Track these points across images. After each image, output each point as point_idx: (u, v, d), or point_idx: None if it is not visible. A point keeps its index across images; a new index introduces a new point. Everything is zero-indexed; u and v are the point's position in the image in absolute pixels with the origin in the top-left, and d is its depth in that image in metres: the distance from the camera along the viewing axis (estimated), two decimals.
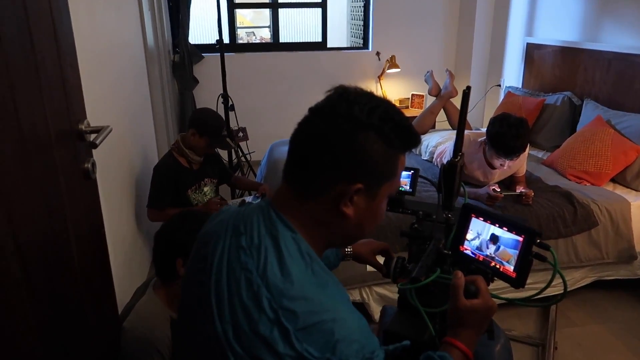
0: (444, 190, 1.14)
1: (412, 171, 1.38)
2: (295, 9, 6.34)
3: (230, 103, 3.46)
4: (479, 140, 2.58)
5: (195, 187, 2.46)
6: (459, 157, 1.12)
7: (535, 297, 1.04)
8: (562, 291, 0.94)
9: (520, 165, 2.64)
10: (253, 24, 9.58)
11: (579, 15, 3.47)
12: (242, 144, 3.63)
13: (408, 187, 1.37)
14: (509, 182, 2.72)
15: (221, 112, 3.41)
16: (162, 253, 1.46)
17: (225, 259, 0.82)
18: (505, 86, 4.23)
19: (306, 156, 0.83)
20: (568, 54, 3.53)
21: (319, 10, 4.67)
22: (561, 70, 3.61)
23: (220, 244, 0.85)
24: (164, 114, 3.48)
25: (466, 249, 1.05)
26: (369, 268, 1.35)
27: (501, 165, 2.45)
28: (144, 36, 3.12)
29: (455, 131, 3.38)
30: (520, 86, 4.06)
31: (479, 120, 4.63)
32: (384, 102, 0.84)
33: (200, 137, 2.38)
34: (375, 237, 1.41)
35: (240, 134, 3.62)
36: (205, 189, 2.51)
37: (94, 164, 1.17)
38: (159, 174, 2.37)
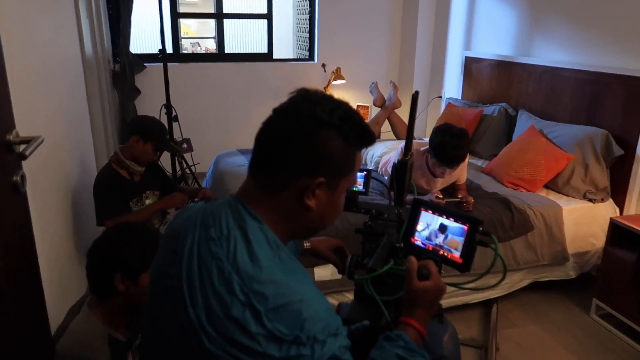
0: (396, 187, 1.22)
1: (365, 172, 1.45)
2: (240, 19, 6.31)
3: (174, 114, 3.39)
4: (422, 149, 2.65)
5: (137, 200, 2.37)
6: (409, 156, 1.20)
7: (478, 288, 1.18)
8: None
9: (461, 173, 2.73)
10: (198, 34, 9.44)
11: (513, 31, 3.66)
12: (187, 156, 3.55)
13: (361, 187, 1.45)
14: (451, 190, 2.81)
15: (164, 122, 3.34)
16: (97, 269, 1.39)
17: (196, 250, 0.87)
18: (446, 97, 4.39)
19: (271, 153, 0.89)
20: (503, 68, 3.71)
21: (265, 21, 4.67)
22: (497, 82, 3.79)
23: (189, 237, 0.89)
24: (103, 125, 3.35)
25: (417, 240, 1.14)
26: (324, 275, 1.40)
27: (442, 173, 2.53)
28: (82, 44, 3.00)
29: (399, 141, 3.47)
30: (460, 97, 4.22)
31: (422, 130, 4.77)
32: (343, 104, 0.91)
33: (145, 142, 2.30)
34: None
35: (185, 145, 3.55)
36: (147, 201, 2.42)
37: (23, 177, 1.10)
38: (102, 185, 2.27)
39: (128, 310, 1.44)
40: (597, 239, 2.74)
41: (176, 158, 3.35)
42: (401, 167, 1.19)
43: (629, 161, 2.74)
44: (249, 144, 3.66)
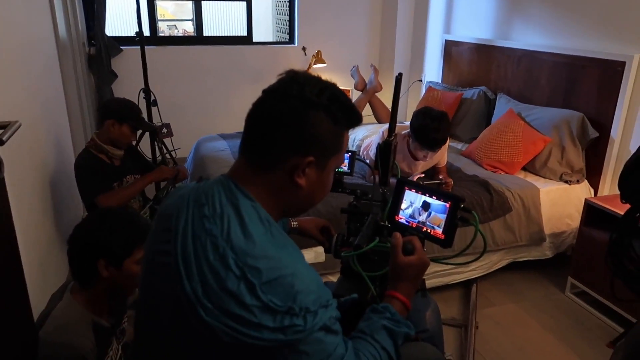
0: (381, 168, 1.29)
1: (349, 153, 1.47)
2: (219, 1, 6.20)
3: (152, 98, 3.33)
4: (403, 133, 2.67)
5: (119, 184, 2.34)
6: (393, 137, 1.24)
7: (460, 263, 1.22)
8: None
9: (441, 156, 2.76)
10: (175, 16, 9.26)
11: (492, 15, 3.69)
12: (167, 141, 3.50)
13: (346, 168, 1.48)
14: (432, 173, 2.84)
15: (143, 107, 3.28)
16: (80, 255, 1.37)
17: (190, 228, 0.90)
18: (426, 81, 4.41)
19: (262, 133, 0.92)
20: (482, 51, 3.74)
21: (244, 3, 4.60)
22: (477, 66, 3.82)
23: (183, 215, 0.92)
24: (79, 109, 3.29)
25: (401, 218, 1.20)
26: (308, 258, 1.43)
27: (424, 156, 2.56)
28: (55, 27, 2.92)
29: (380, 125, 3.48)
30: (440, 81, 4.25)
31: (403, 113, 4.79)
32: (331, 85, 0.95)
33: (121, 125, 2.27)
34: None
35: (164, 130, 3.49)
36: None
37: (0, 162, 1.08)
38: (83, 168, 2.23)
39: (111, 296, 1.43)
40: (573, 219, 2.82)
41: (156, 143, 3.30)
42: (385, 148, 1.24)
43: (603, 143, 2.81)
44: (229, 128, 3.67)
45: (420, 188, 1.16)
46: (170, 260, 0.89)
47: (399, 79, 1.21)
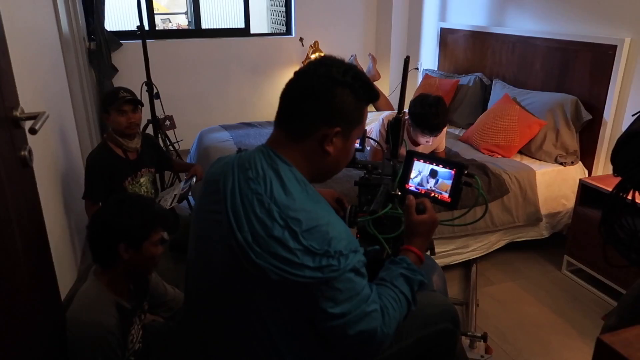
0: (392, 141, 1.45)
1: None
2: None
3: (155, 91, 3.38)
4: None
5: (132, 178, 2.34)
6: (402, 113, 1.42)
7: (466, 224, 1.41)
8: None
9: (440, 141, 2.83)
10: (168, 9, 9.25)
11: (486, 2, 3.75)
12: (170, 133, 3.56)
13: (358, 145, 1.62)
14: None
15: (145, 100, 3.33)
16: (101, 239, 1.45)
17: (237, 188, 1.06)
18: (423, 69, 4.47)
19: (296, 107, 1.08)
20: (478, 38, 3.80)
21: None
22: (472, 53, 3.89)
23: (229, 179, 1.09)
24: (83, 104, 3.34)
25: (410, 186, 1.35)
26: None
27: (426, 142, 2.62)
28: (58, 22, 2.96)
29: (380, 112, 3.55)
30: (436, 68, 4.31)
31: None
32: (353, 66, 1.11)
33: (109, 114, 2.26)
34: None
35: (167, 123, 3.55)
36: (142, 180, 2.39)
37: (30, 152, 1.14)
38: (93, 164, 2.24)
39: (132, 278, 1.51)
40: (568, 199, 2.90)
41: (159, 135, 3.37)
42: (396, 123, 1.43)
43: (596, 125, 2.89)
44: (229, 119, 3.75)
45: (427, 158, 1.30)
46: (221, 217, 1.05)
47: (407, 61, 1.39)
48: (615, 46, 2.70)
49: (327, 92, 1.05)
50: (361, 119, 1.13)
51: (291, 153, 1.09)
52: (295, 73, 1.11)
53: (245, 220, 1.02)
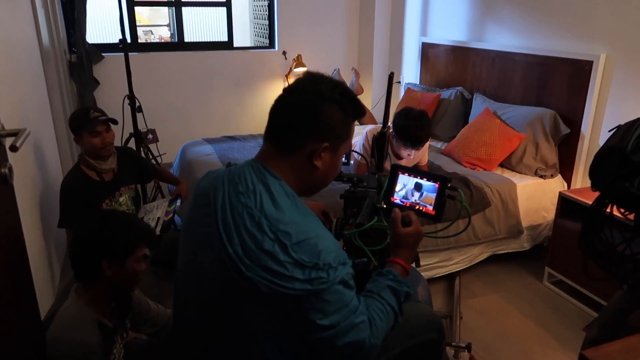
0: (377, 155, 1.47)
1: None
2: (198, 7, 6.23)
3: (137, 104, 3.36)
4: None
5: (110, 200, 2.26)
6: (387, 127, 1.46)
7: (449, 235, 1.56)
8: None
9: (422, 155, 2.87)
10: (150, 22, 9.23)
11: (466, 17, 3.82)
12: (152, 146, 3.53)
13: (344, 159, 1.60)
14: None
15: (128, 113, 3.31)
16: (84, 256, 1.42)
17: (227, 202, 1.08)
18: (405, 83, 4.53)
19: (284, 123, 1.11)
20: (458, 53, 3.87)
21: (224, 9, 4.65)
22: (453, 67, 3.95)
23: (220, 192, 1.10)
24: (64, 117, 3.29)
25: (395, 199, 1.38)
26: None
27: (408, 155, 2.65)
28: (39, 34, 2.93)
29: (363, 126, 3.58)
30: (418, 82, 4.37)
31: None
32: (340, 83, 1.14)
33: (81, 136, 2.15)
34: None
35: (150, 136, 3.53)
36: (121, 199, 2.32)
37: (10, 169, 1.12)
38: (67, 192, 2.15)
39: (114, 296, 1.49)
40: (548, 212, 2.95)
41: (142, 149, 3.33)
42: (381, 137, 1.45)
43: (574, 139, 2.95)
44: (212, 133, 3.73)
45: (412, 171, 1.33)
46: (212, 230, 1.07)
47: (391, 77, 1.44)
48: (592, 62, 2.77)
49: (315, 108, 1.08)
50: (348, 134, 1.16)
51: (280, 167, 1.11)
52: (284, 89, 1.14)
53: (236, 233, 1.03)
